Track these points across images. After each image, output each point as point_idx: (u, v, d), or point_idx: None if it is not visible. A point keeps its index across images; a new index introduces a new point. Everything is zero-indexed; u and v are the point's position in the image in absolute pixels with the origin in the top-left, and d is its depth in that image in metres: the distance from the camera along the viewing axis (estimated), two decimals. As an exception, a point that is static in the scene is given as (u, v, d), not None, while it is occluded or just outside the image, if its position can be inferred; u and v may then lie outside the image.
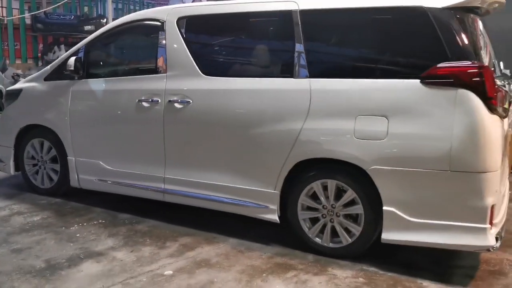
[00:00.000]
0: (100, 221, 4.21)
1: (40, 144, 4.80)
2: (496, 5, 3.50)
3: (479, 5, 3.25)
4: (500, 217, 3.22)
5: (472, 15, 3.34)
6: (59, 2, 14.55)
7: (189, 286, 3.07)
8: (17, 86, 5.05)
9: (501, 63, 4.01)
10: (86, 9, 16.64)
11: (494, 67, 3.75)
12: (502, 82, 3.50)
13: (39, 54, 16.06)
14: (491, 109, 2.99)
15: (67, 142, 4.58)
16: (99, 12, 18.42)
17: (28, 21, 15.16)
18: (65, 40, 16.39)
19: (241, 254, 3.57)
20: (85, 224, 4.13)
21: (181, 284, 3.09)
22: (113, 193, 4.44)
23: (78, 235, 3.89)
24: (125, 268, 3.31)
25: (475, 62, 3.00)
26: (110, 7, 13.87)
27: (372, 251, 3.47)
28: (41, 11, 13.13)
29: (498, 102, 3.05)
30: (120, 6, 19.21)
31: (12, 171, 5.04)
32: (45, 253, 3.52)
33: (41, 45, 16.02)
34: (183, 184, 3.99)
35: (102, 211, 4.44)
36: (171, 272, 3.26)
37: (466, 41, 3.07)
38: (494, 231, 3.08)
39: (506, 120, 3.75)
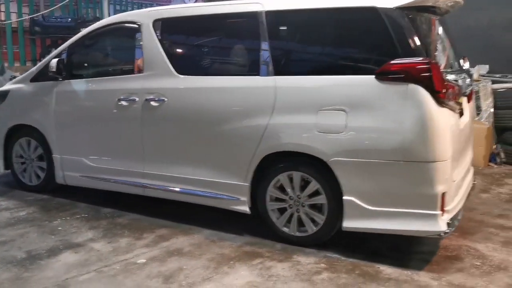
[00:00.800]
0: (83, 215, 4.41)
1: (28, 143, 5.01)
2: (451, 3, 3.67)
3: (430, 5, 3.42)
4: (453, 204, 3.39)
5: (426, 14, 3.52)
6: (57, 5, 14.75)
7: (160, 273, 3.27)
8: (5, 87, 5.25)
9: (462, 60, 4.17)
10: (90, 11, 16.86)
11: (451, 63, 3.93)
12: (457, 77, 3.67)
13: (38, 57, 16.29)
14: (439, 102, 3.17)
15: (53, 141, 4.78)
16: (97, 15, 18.62)
17: (26, 24, 15.36)
18: (63, 42, 16.61)
19: (213, 243, 3.76)
20: (68, 218, 4.34)
21: (152, 271, 3.29)
22: (97, 188, 4.64)
23: (60, 228, 4.09)
24: (101, 257, 3.51)
25: (424, 58, 3.18)
26: (106, 9, 14.07)
27: (340, 240, 3.64)
28: (38, 14, 13.35)
29: (447, 96, 3.22)
30: (118, 8, 19.39)
31: (2, 169, 5.26)
32: (27, 245, 3.73)
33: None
34: (161, 178, 4.19)
35: (86, 206, 4.64)
36: (144, 260, 3.46)
37: (416, 39, 3.24)
38: (446, 217, 3.26)
39: (466, 113, 3.94)
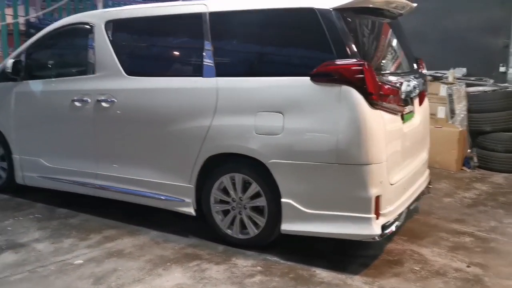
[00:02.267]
0: (36, 215, 4.42)
1: (-11, 143, 5.04)
2: (396, 5, 3.64)
3: (368, 6, 3.39)
4: (392, 207, 3.34)
5: (369, 16, 3.49)
6: (53, 6, 14.81)
7: (92, 274, 3.26)
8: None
9: (415, 63, 4.14)
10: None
11: (400, 66, 3.90)
12: (404, 80, 3.62)
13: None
14: (373, 104, 3.13)
15: (12, 141, 4.81)
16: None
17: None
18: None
19: (157, 245, 3.75)
20: (21, 218, 4.35)
21: (85, 272, 3.28)
22: (53, 189, 4.65)
23: (9, 228, 4.10)
24: (40, 258, 3.51)
25: (358, 60, 3.14)
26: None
27: (287, 243, 3.61)
28: (34, 15, 13.43)
29: (382, 98, 3.18)
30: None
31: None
32: (-31, 245, 3.75)
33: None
34: (111, 179, 4.19)
35: (42, 206, 4.65)
36: (81, 261, 3.45)
37: (351, 41, 3.21)
38: (381, 221, 3.22)
39: (417, 116, 3.90)
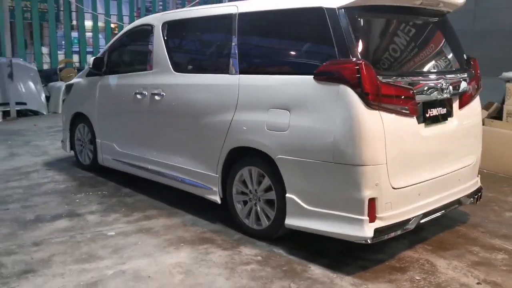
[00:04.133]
0: (104, 192, 5.09)
1: (83, 128, 5.88)
2: (419, 1, 3.46)
3: (378, 4, 3.30)
4: (396, 212, 3.23)
5: (390, 14, 3.41)
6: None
7: (115, 244, 3.72)
8: (71, 81, 6.22)
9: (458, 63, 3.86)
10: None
11: (432, 65, 3.70)
12: (429, 80, 3.45)
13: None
14: (369, 104, 3.06)
15: (96, 127, 5.57)
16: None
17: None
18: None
19: (183, 227, 4.10)
20: (91, 193, 5.05)
21: (110, 242, 3.76)
22: (121, 170, 5.29)
23: (77, 200, 4.81)
24: (84, 226, 4.10)
25: (356, 59, 3.10)
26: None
27: (303, 239, 3.68)
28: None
29: (380, 98, 3.09)
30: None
31: (68, 150, 6.24)
32: (41, 210, 4.50)
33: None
34: (160, 165, 4.65)
35: (112, 185, 5.32)
36: (113, 233, 3.95)
37: (354, 39, 3.17)
38: (376, 224, 3.14)
39: (454, 118, 3.68)
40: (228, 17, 3.97)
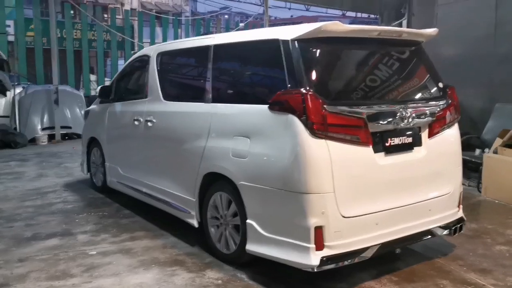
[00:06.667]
0: (104, 213, 5.36)
1: (96, 152, 6.24)
2: (376, 33, 3.48)
3: (327, 36, 3.35)
4: (347, 241, 3.21)
5: (352, 45, 3.48)
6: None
7: (91, 263, 3.94)
8: (89, 107, 6.65)
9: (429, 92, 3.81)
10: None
11: (400, 93, 3.69)
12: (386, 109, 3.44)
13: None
14: (314, 133, 3.11)
15: (105, 151, 5.92)
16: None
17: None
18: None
19: (162, 248, 4.26)
20: (92, 213, 5.34)
21: (86, 261, 3.97)
22: (123, 192, 5.56)
23: (77, 220, 5.11)
24: (71, 245, 4.35)
25: (303, 89, 3.17)
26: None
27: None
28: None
29: (326, 127, 3.13)
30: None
31: (85, 171, 6.64)
32: (40, 229, 4.82)
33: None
34: (150, 188, 4.87)
35: (116, 207, 5.60)
36: (94, 252, 4.18)
37: (304, 70, 3.25)
38: (324, 253, 3.14)
39: (423, 148, 3.64)
40: (206, 49, 4.17)
